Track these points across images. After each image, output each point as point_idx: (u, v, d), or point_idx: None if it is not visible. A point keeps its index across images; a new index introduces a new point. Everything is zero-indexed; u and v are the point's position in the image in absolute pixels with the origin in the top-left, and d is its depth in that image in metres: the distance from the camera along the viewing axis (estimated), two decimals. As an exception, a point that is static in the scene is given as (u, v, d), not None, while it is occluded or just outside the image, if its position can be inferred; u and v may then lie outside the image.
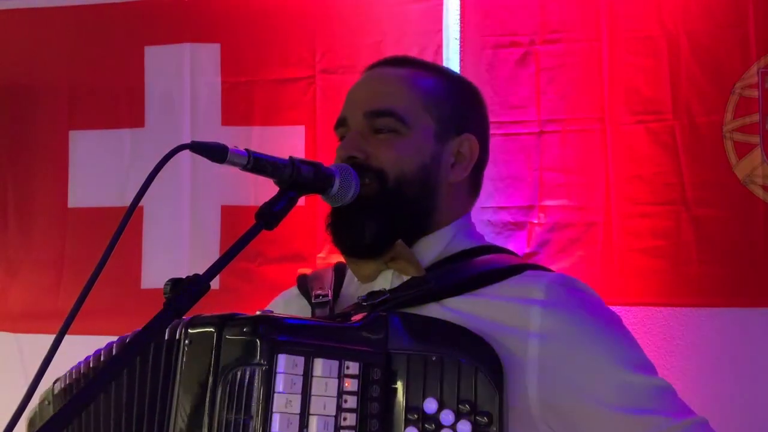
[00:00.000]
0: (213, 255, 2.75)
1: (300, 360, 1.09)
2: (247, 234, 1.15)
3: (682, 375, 2.45)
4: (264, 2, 2.89)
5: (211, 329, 1.13)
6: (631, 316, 2.51)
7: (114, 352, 1.25)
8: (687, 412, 1.24)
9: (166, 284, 1.15)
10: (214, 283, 1.08)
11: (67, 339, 1.10)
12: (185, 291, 1.05)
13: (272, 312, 1.19)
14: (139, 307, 2.77)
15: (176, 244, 2.89)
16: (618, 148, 2.57)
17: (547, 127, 2.63)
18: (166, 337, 1.17)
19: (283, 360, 1.09)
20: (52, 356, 1.08)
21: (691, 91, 2.53)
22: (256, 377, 1.09)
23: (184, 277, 1.09)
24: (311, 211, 2.73)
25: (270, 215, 1.17)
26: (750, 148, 2.48)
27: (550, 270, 1.37)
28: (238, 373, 1.10)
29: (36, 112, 3.03)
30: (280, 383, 1.08)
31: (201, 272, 1.08)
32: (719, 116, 2.50)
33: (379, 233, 1.30)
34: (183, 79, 2.93)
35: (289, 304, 1.44)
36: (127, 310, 2.77)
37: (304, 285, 1.44)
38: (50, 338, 1.09)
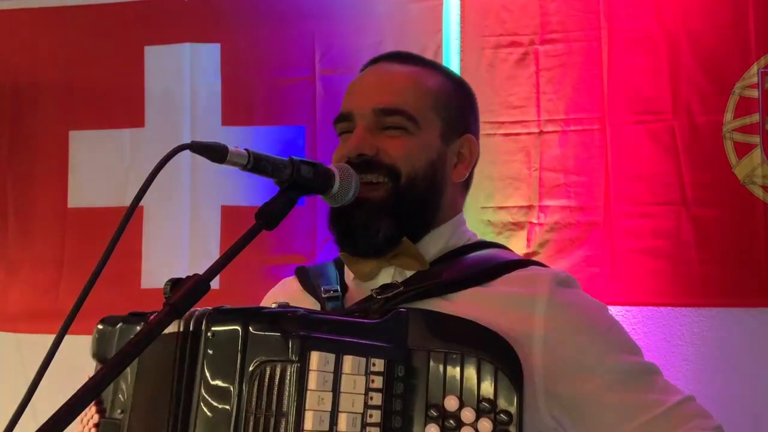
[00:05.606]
0: (213, 255, 2.75)
1: (331, 357, 1.08)
2: (247, 234, 1.14)
3: (682, 375, 2.45)
4: (264, 2, 2.89)
5: (237, 325, 1.11)
6: (631, 316, 2.51)
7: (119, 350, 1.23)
8: (675, 392, 1.27)
9: (166, 284, 1.15)
10: (214, 283, 1.07)
11: (67, 339, 1.10)
12: (185, 291, 1.05)
13: (288, 305, 1.18)
14: (139, 307, 2.74)
15: (176, 244, 2.89)
16: (618, 148, 2.57)
17: (547, 127, 2.63)
18: (191, 329, 1.15)
19: (315, 357, 1.07)
20: (52, 356, 1.08)
21: (691, 91, 2.53)
22: (288, 374, 1.07)
23: (184, 277, 1.08)
24: (311, 211, 2.74)
25: (270, 215, 1.16)
26: (750, 148, 2.48)
27: (549, 267, 1.39)
28: (267, 369, 1.08)
29: (36, 112, 3.03)
30: (312, 381, 1.07)
31: (201, 272, 1.07)
32: (719, 116, 2.50)
33: (394, 233, 1.31)
34: (183, 79, 2.93)
35: (296, 302, 1.43)
36: (127, 310, 2.73)
37: (308, 281, 1.43)
38: (50, 338, 1.09)
